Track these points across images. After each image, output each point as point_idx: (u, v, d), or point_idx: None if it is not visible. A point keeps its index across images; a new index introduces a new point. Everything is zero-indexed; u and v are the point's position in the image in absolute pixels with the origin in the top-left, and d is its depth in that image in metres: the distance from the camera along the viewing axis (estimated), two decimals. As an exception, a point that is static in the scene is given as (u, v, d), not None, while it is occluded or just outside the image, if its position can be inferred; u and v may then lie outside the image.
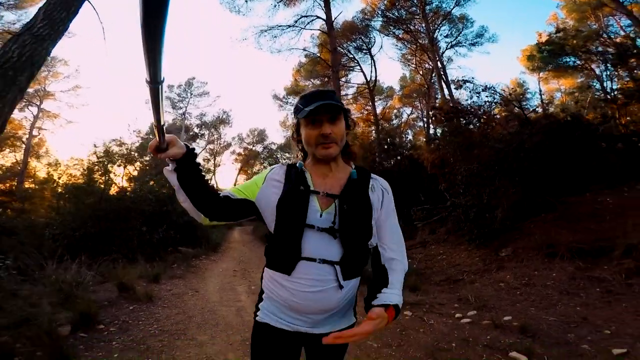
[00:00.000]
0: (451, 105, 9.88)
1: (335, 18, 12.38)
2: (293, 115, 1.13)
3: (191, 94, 25.49)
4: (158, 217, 8.72)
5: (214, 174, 29.03)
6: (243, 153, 29.23)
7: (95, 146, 11.26)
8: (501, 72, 51.81)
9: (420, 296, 4.66)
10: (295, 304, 1.00)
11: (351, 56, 14.57)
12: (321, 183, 1.08)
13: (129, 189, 10.56)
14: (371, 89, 15.28)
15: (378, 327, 0.88)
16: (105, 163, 9.91)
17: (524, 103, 11.47)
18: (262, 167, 28.13)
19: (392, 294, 0.98)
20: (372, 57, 14.25)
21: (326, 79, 14.28)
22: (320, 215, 1.01)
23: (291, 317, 1.03)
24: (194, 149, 1.07)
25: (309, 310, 1.00)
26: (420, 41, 13.52)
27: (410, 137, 21.67)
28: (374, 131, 15.43)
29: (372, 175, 1.15)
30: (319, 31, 13.10)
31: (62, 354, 2.47)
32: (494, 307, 3.95)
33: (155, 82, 0.54)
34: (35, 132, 19.35)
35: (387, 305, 0.94)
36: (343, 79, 17.34)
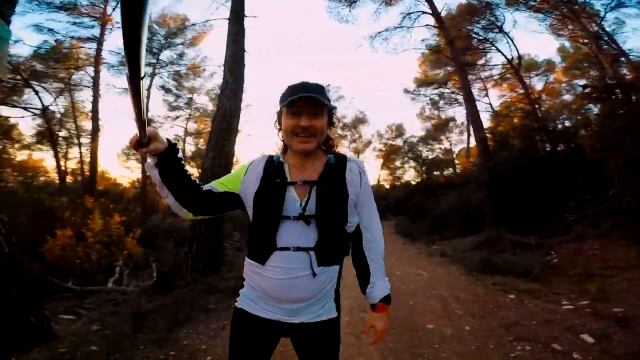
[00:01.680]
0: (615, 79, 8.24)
1: (441, 10, 12.02)
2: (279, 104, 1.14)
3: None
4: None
5: (359, 173, 31.98)
6: (384, 149, 30.20)
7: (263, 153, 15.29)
8: None
9: (538, 285, 4.79)
10: (269, 292, 1.05)
11: (481, 37, 13.70)
12: (299, 174, 1.12)
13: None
14: (516, 67, 13.85)
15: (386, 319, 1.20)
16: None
17: None
18: (403, 160, 28.78)
19: (377, 289, 1.19)
20: (506, 34, 12.98)
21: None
22: (300, 205, 1.05)
23: (269, 304, 1.07)
24: (175, 143, 1.10)
25: (283, 298, 1.04)
26: (564, 9, 11.40)
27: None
28: (527, 113, 13.84)
29: (349, 157, 1.20)
30: (430, 26, 13.08)
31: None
32: (614, 300, 3.82)
33: (135, 77, 0.56)
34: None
35: (381, 299, 1.19)
36: (482, 61, 16.28)
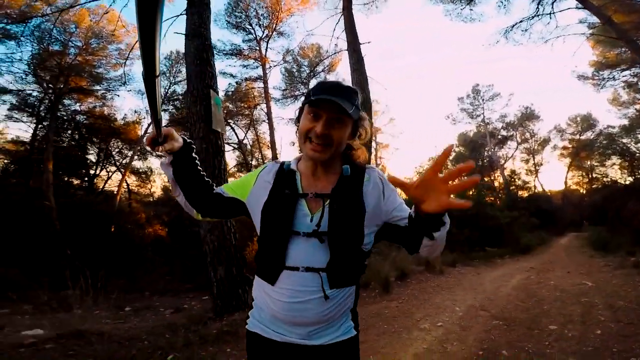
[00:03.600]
0: None
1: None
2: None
3: (482, 100, 25.99)
4: (465, 220, 11.21)
5: (536, 175, 27.34)
6: (569, 146, 25.73)
7: (420, 167, 15.81)
8: None
9: None
10: (278, 315, 0.98)
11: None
12: (311, 184, 1.04)
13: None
14: None
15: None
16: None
17: None
18: (599, 159, 23.14)
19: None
20: None
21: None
22: (311, 220, 0.98)
23: (280, 327, 1.00)
24: (191, 142, 1.12)
25: (293, 322, 0.97)
26: None
27: None
28: None
29: (367, 166, 1.10)
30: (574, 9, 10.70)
31: (388, 285, 5.54)
32: None
33: (151, 76, 0.60)
34: (378, 162, 26.55)
35: None
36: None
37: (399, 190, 0.91)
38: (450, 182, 0.76)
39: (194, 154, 1.14)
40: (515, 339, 3.35)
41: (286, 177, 1.07)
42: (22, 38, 11.72)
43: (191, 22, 4.71)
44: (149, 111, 0.78)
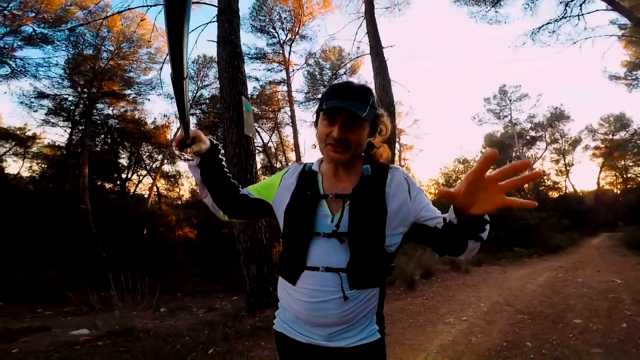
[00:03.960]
0: None
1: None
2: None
3: (510, 101, 25.54)
4: (492, 220, 11.19)
5: (566, 176, 26.60)
6: (602, 146, 24.89)
7: (445, 168, 15.85)
8: None
9: None
10: (299, 315, 1.00)
11: None
12: (333, 185, 1.05)
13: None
14: None
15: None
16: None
17: None
18: (634, 159, 22.32)
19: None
20: None
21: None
22: (331, 220, 0.99)
23: (302, 327, 1.02)
24: (217, 144, 1.15)
25: (313, 322, 0.98)
26: None
27: None
28: None
29: (391, 165, 1.09)
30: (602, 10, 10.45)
31: (412, 283, 5.71)
32: None
33: (179, 77, 0.62)
34: (402, 163, 26.59)
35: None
36: None
37: (425, 189, 1.05)
38: (502, 181, 0.74)
39: (220, 156, 1.16)
40: (540, 331, 3.48)
41: (308, 179, 1.09)
42: (57, 42, 12.40)
43: (222, 29, 4.98)
44: (177, 113, 0.83)
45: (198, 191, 1.23)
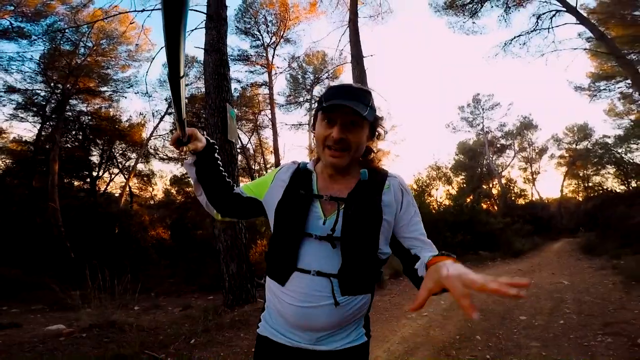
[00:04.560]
0: None
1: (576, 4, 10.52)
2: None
3: (482, 109, 26.80)
4: (459, 224, 11.87)
5: (533, 184, 28.19)
6: (566, 155, 26.62)
7: (417, 174, 16.49)
8: None
9: None
10: (287, 318, 0.99)
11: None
12: (327, 186, 1.05)
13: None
14: None
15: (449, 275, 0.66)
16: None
17: None
18: (594, 168, 24.04)
19: (428, 253, 0.91)
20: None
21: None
22: (324, 223, 0.98)
23: (289, 331, 1.00)
24: (214, 143, 1.16)
25: (302, 326, 0.97)
26: None
27: None
28: None
29: (390, 173, 1.09)
30: (570, 24, 11.53)
31: (381, 282, 6.13)
32: None
33: (176, 76, 0.63)
34: None
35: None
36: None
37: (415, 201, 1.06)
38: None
39: (216, 155, 1.18)
40: (489, 326, 3.96)
41: (302, 177, 1.08)
42: (35, 37, 12.16)
43: (210, 36, 5.24)
44: (174, 111, 0.81)
45: (194, 189, 1.22)
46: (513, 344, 3.45)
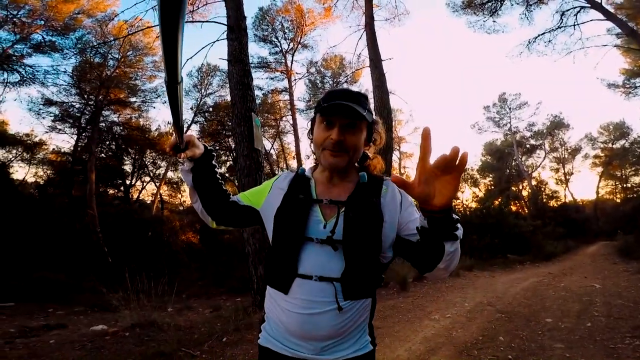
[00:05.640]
0: None
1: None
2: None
3: (509, 109, 26.04)
4: (486, 227, 11.72)
5: (565, 185, 27.16)
6: (602, 155, 25.45)
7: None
8: None
9: None
10: (289, 327, 0.97)
11: None
12: (326, 191, 1.06)
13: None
14: None
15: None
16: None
17: None
18: (633, 168, 22.86)
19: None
20: None
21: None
22: (324, 227, 0.98)
23: (291, 341, 0.98)
24: (212, 149, 1.17)
25: (305, 335, 0.95)
26: None
27: None
28: None
29: (385, 178, 1.09)
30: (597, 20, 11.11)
31: (405, 284, 6.25)
32: None
33: (173, 82, 0.62)
34: (402, 171, 26.48)
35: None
36: None
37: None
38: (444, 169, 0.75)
39: (214, 162, 1.17)
40: (513, 328, 4.00)
41: (300, 184, 1.09)
42: (66, 50, 12.96)
43: (232, 48, 5.52)
44: (171, 117, 0.80)
45: (189, 196, 1.22)
46: (537, 346, 3.49)
